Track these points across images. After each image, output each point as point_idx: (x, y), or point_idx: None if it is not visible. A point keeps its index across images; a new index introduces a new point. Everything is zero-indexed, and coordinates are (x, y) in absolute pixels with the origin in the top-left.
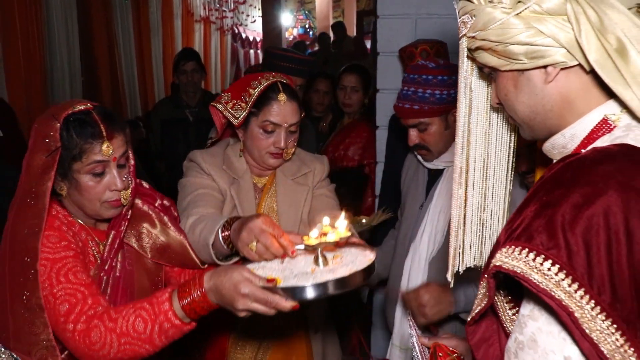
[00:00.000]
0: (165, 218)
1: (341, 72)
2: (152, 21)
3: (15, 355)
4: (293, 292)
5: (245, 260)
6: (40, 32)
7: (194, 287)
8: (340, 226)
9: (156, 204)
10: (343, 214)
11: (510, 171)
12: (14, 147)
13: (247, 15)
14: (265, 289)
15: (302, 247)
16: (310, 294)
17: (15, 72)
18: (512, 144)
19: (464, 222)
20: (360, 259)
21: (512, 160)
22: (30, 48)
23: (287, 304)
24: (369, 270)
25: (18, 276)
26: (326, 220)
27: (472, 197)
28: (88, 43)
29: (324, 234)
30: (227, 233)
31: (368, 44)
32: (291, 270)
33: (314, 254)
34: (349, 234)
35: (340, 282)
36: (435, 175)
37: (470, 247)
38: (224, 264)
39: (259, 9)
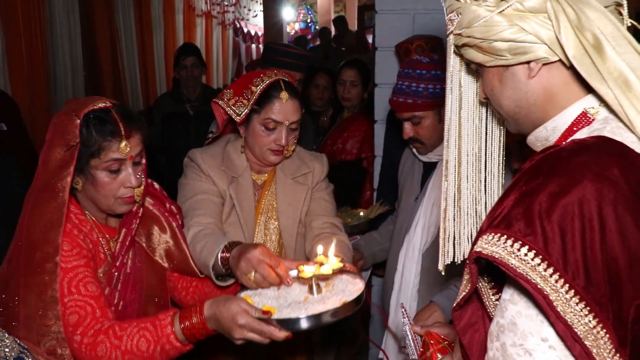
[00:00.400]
0: (174, 224)
1: (340, 66)
2: (154, 16)
3: (19, 342)
4: (286, 323)
5: (243, 285)
6: (42, 28)
7: (195, 313)
8: (332, 258)
9: (166, 207)
10: (333, 244)
11: (502, 164)
12: (18, 140)
13: (249, 10)
14: (261, 320)
15: (295, 272)
16: (302, 325)
17: (18, 67)
18: (502, 138)
19: (459, 214)
20: (350, 287)
21: (504, 153)
22: (33, 43)
23: (280, 334)
24: (358, 300)
25: (34, 268)
26: (320, 249)
27: (465, 190)
28: (90, 38)
29: (318, 264)
30: (226, 255)
31: (370, 39)
32: (285, 299)
33: (308, 283)
34: (340, 265)
35: (332, 313)
36: (429, 168)
37: (469, 239)
38: (222, 284)
39: (260, 4)
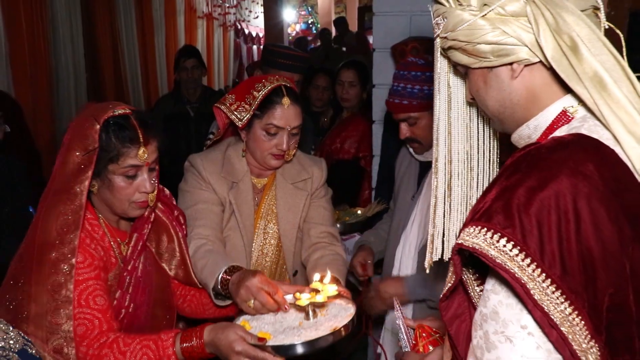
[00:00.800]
0: (180, 235)
1: (339, 67)
2: (155, 18)
3: (22, 334)
4: (281, 349)
5: (241, 310)
6: (45, 30)
7: (195, 336)
8: (329, 286)
9: (174, 215)
10: (329, 272)
11: (494, 163)
12: (21, 141)
13: (250, 11)
14: (256, 347)
15: (291, 297)
16: (297, 350)
17: (21, 68)
18: (492, 136)
19: (450, 211)
20: (342, 313)
21: (496, 152)
22: (36, 45)
23: None
24: (349, 325)
25: (49, 268)
26: (316, 276)
27: (457, 187)
28: (92, 41)
29: (314, 292)
30: (226, 277)
31: (371, 40)
32: (281, 324)
33: (304, 309)
34: (335, 293)
35: (323, 339)
36: (426, 167)
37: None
38: (221, 303)
39: (261, 5)
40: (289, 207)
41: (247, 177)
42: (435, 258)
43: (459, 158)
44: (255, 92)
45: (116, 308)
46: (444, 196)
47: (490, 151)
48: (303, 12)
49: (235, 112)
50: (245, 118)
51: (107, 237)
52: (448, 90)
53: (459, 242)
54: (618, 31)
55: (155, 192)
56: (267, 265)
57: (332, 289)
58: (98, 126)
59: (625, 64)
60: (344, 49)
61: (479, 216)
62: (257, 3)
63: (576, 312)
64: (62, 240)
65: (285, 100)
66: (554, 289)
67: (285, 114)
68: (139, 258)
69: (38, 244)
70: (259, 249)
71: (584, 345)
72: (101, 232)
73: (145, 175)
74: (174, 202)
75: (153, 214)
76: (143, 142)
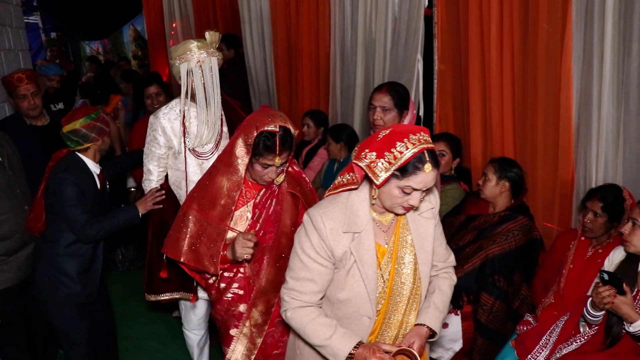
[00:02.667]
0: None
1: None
2: None
3: None
4: None
5: None
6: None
7: None
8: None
9: (297, 181)
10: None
11: None
12: None
13: None
14: None
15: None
16: None
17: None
18: None
19: None
20: None
21: None
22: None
23: None
24: None
25: (218, 210)
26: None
27: None
28: None
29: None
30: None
31: None
32: None
33: None
34: None
35: None
36: None
37: None
38: None
39: None
40: (423, 235)
41: (370, 226)
42: None
43: None
44: (397, 153)
45: (249, 229)
46: None
47: None
48: None
49: (374, 170)
50: (383, 178)
51: (247, 190)
52: None
53: None
54: None
55: (281, 178)
56: (404, 294)
57: None
58: (256, 133)
59: None
60: None
61: None
62: None
63: None
64: (229, 195)
65: (428, 167)
66: None
67: (425, 178)
68: (268, 201)
69: (213, 195)
70: (391, 282)
71: None
72: (244, 187)
73: (274, 169)
74: (302, 175)
75: (278, 186)
76: (278, 154)
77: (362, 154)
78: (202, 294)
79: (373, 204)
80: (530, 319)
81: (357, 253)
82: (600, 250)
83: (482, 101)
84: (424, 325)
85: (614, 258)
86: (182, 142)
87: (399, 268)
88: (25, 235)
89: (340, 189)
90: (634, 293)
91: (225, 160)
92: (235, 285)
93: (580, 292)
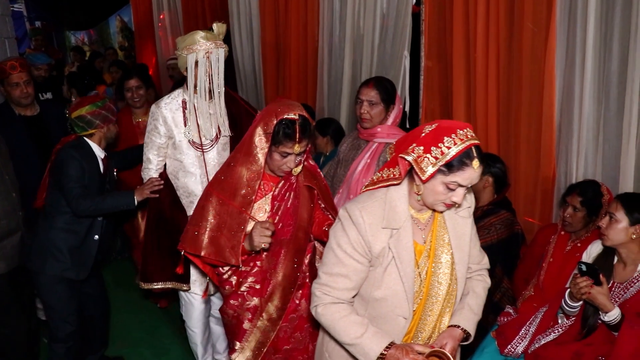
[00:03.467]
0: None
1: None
2: None
3: None
4: None
5: None
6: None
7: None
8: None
9: (313, 176)
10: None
11: None
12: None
13: None
14: None
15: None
16: None
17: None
18: None
19: None
20: None
21: None
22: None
23: None
24: None
25: (239, 200)
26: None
27: None
28: None
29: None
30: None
31: None
32: None
33: None
34: None
35: None
36: None
37: None
38: None
39: None
40: (460, 234)
41: (409, 223)
42: None
43: None
44: (444, 148)
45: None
46: None
47: None
48: None
49: (421, 165)
50: (429, 173)
51: (265, 182)
52: None
53: None
54: None
55: (300, 168)
56: (441, 294)
57: None
58: (275, 121)
59: None
60: None
61: None
62: None
63: None
64: (249, 184)
65: (476, 163)
66: None
67: (472, 175)
68: (287, 194)
69: (234, 185)
70: (428, 281)
71: None
72: (262, 181)
73: (293, 157)
74: (317, 170)
75: (299, 174)
76: (298, 141)
77: (409, 148)
78: (195, 287)
79: (418, 200)
80: (511, 311)
81: (395, 250)
82: (578, 244)
83: (467, 97)
84: (458, 326)
85: (592, 251)
86: (182, 132)
87: (435, 267)
88: (12, 223)
89: (379, 185)
90: (610, 284)
91: (245, 150)
92: (252, 279)
93: (560, 284)
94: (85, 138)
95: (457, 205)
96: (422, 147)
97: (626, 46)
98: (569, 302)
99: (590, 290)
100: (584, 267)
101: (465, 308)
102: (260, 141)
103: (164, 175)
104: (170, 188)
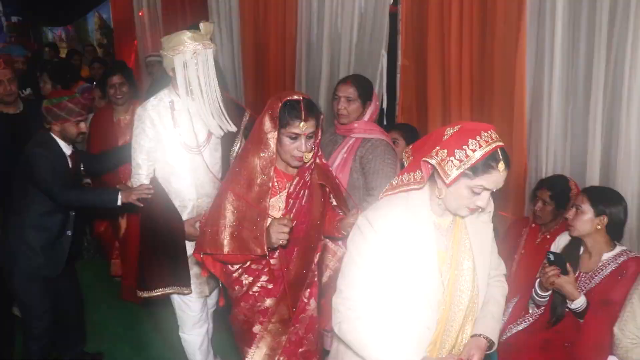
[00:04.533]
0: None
1: None
2: None
3: None
4: None
5: None
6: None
7: None
8: None
9: (327, 176)
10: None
11: None
12: None
13: None
14: None
15: None
16: None
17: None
18: None
19: None
20: None
21: None
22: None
23: None
24: None
25: (255, 190)
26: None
27: None
28: None
29: None
30: None
31: None
32: None
33: None
34: None
35: None
36: None
37: None
38: None
39: None
40: (481, 240)
41: (431, 228)
42: None
43: None
44: (469, 151)
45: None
46: None
47: None
48: None
49: (445, 168)
50: (453, 177)
51: (278, 177)
52: None
53: None
54: None
55: (311, 153)
56: (463, 302)
57: None
58: (280, 103)
59: None
60: None
61: None
62: None
63: None
64: (263, 172)
65: (501, 166)
66: None
67: (498, 178)
68: (302, 191)
69: (246, 174)
70: (450, 289)
71: None
72: (275, 175)
73: (303, 140)
74: (330, 170)
75: (311, 170)
76: (304, 119)
77: (432, 151)
78: (194, 287)
79: (439, 205)
80: None
81: (418, 257)
82: (548, 236)
83: (442, 95)
84: (482, 335)
85: (560, 242)
86: (172, 135)
87: (457, 274)
88: None
89: (399, 190)
90: (576, 274)
91: (255, 139)
92: (264, 278)
93: (531, 275)
94: (50, 133)
95: (480, 210)
96: (445, 150)
97: (592, 47)
98: (538, 291)
99: (557, 280)
100: (552, 257)
101: (488, 316)
102: (269, 126)
103: (153, 180)
104: (162, 193)
